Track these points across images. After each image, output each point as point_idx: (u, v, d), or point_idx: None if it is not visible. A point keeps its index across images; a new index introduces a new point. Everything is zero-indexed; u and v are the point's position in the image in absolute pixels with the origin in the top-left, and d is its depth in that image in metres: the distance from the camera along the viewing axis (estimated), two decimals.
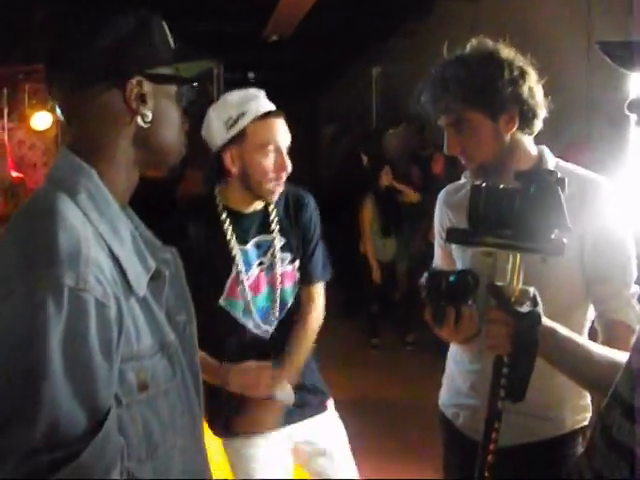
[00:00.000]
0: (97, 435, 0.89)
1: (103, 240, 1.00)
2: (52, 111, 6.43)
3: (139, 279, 1.03)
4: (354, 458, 2.06)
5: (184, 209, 1.96)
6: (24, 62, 6.29)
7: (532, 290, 1.21)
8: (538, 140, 1.63)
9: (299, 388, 1.95)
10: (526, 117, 1.53)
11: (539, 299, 1.20)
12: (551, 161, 1.60)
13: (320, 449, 2.02)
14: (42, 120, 6.63)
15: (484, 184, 1.22)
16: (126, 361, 0.99)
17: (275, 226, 1.90)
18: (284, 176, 1.83)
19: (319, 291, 2.02)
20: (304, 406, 1.98)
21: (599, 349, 1.26)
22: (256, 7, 6.23)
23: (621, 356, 1.18)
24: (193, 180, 3.50)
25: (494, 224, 1.18)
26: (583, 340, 1.30)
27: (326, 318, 2.06)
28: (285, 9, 6.18)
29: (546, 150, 1.62)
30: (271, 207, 1.92)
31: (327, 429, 2.05)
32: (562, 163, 1.61)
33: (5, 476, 0.86)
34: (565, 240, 1.15)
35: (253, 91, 1.84)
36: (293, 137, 1.86)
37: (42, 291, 0.88)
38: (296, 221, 1.95)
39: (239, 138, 1.79)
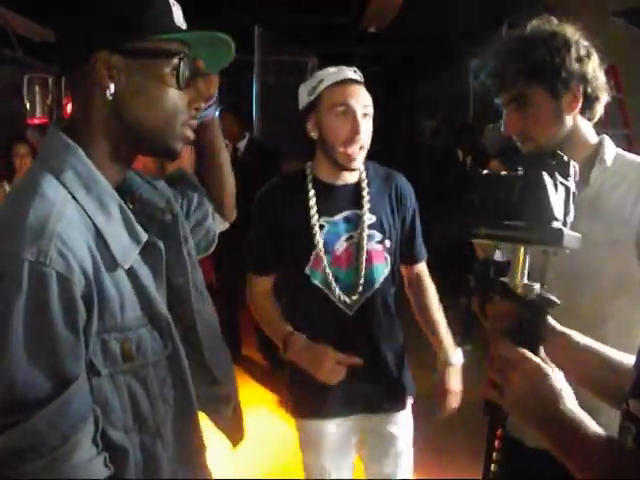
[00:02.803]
0: (51, 403, 0.92)
1: (88, 216, 1.02)
2: None
3: (126, 252, 1.05)
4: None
5: (279, 182, 1.98)
6: None
7: (537, 286, 1.11)
8: None
9: (382, 378, 1.94)
10: (589, 99, 1.46)
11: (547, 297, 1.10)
12: (610, 151, 1.50)
13: (385, 447, 2.00)
14: None
15: (485, 171, 1.15)
16: (109, 331, 1.01)
17: (366, 203, 1.89)
18: (358, 140, 1.81)
19: (424, 270, 2.07)
20: (382, 399, 1.95)
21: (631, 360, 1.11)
22: None
23: None
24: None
25: (492, 214, 1.10)
26: (610, 351, 1.15)
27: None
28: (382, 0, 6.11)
29: (607, 139, 1.53)
30: (364, 182, 1.91)
31: (399, 428, 2.00)
32: (623, 153, 1.52)
33: None
34: (562, 228, 1.05)
35: (341, 67, 1.85)
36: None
37: (2, 265, 0.92)
38: (390, 202, 1.93)
39: (316, 102, 1.83)
